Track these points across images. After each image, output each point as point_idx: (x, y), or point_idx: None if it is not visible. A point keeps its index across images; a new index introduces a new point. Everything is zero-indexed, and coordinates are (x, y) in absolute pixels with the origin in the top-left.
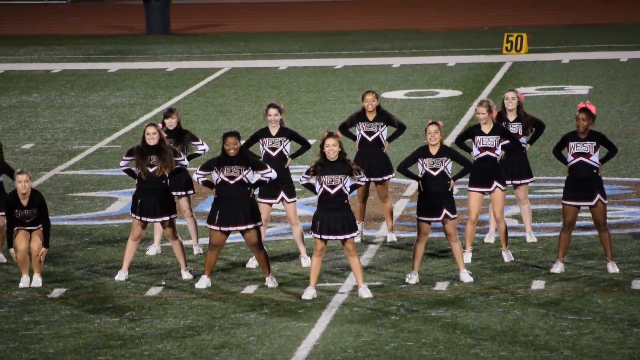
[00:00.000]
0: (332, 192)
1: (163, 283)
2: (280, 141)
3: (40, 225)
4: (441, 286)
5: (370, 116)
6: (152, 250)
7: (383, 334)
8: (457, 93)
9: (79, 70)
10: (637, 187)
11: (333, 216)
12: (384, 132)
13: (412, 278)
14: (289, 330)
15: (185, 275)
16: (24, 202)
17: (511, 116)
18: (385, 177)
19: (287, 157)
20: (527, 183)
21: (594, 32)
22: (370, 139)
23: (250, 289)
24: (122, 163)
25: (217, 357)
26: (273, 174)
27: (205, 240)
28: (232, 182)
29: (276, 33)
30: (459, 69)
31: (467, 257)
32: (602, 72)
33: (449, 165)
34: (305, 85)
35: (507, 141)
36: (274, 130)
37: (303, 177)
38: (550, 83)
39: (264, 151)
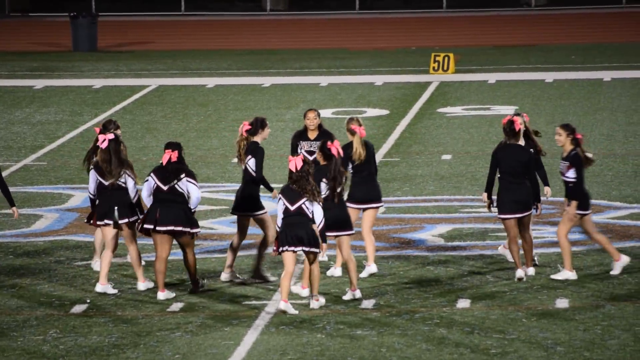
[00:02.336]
0: (292, 208)
1: (88, 300)
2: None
3: None
4: (367, 304)
5: (312, 135)
6: (97, 265)
7: (309, 352)
8: (384, 112)
9: (4, 86)
10: (562, 207)
11: (298, 229)
12: None
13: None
14: (215, 348)
15: (143, 286)
16: None
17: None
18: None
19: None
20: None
21: (520, 53)
22: (311, 158)
23: (175, 307)
24: (91, 187)
25: None
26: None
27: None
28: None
29: (204, 51)
30: (387, 88)
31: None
32: (528, 92)
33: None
34: (233, 103)
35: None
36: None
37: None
38: (476, 103)
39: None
